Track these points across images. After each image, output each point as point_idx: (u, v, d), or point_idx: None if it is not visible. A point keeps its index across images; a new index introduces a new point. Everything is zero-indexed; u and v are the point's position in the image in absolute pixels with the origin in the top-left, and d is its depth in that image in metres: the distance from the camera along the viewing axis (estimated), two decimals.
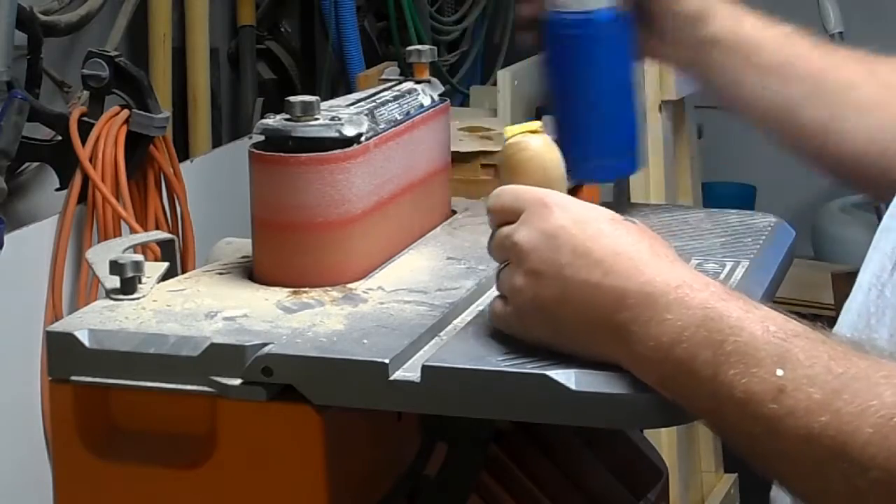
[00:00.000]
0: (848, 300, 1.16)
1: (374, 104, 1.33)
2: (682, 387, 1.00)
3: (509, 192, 1.11)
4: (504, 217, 1.10)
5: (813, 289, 3.11)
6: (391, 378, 1.07)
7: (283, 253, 1.24)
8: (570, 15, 1.36)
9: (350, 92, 1.78)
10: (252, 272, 1.26)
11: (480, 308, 1.21)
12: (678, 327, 0.99)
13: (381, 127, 1.30)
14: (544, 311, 1.06)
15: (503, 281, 1.10)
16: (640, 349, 1.01)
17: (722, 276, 1.25)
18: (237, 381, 1.10)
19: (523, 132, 1.16)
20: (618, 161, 1.42)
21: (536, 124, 1.18)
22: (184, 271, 1.30)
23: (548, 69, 1.41)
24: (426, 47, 1.44)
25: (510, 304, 1.09)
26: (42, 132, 2.28)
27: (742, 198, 3.73)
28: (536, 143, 1.15)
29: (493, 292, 1.25)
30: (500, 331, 1.12)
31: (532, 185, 1.12)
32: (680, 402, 1.01)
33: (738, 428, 0.98)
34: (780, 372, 0.95)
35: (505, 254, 1.10)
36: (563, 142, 1.28)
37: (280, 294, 1.22)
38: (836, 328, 1.15)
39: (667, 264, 1.04)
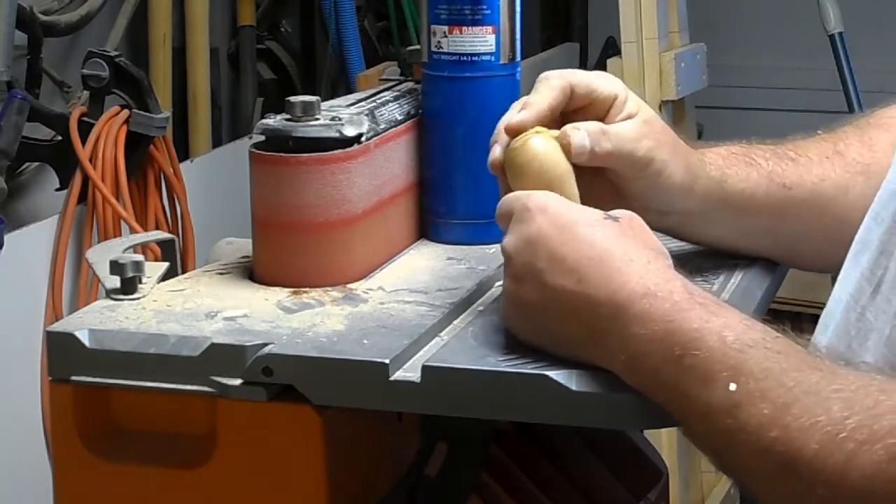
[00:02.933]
0: (825, 315, 1.13)
1: (374, 104, 1.33)
2: (655, 396, 1.01)
3: (504, 201, 1.12)
4: (503, 224, 1.11)
5: (813, 289, 3.11)
6: (391, 378, 1.07)
7: (283, 253, 1.24)
8: (449, 57, 1.34)
9: (350, 92, 1.79)
10: (252, 272, 1.26)
11: (480, 308, 1.21)
12: (644, 341, 1.00)
13: (382, 127, 1.30)
14: (530, 317, 1.08)
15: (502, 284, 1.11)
16: (616, 359, 1.02)
17: (722, 276, 1.25)
18: (237, 381, 1.10)
19: (526, 134, 1.15)
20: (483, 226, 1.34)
21: (540, 126, 1.16)
22: (184, 271, 1.30)
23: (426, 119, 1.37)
24: None
25: (504, 308, 1.11)
26: (42, 132, 2.28)
27: None
28: (538, 144, 1.14)
29: (494, 292, 1.26)
30: (500, 331, 1.12)
31: (534, 186, 1.12)
32: (669, 409, 1.01)
33: (704, 440, 0.99)
34: (732, 386, 0.96)
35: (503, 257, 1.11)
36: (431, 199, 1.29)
37: (280, 294, 1.22)
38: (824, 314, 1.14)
39: (636, 270, 1.03)
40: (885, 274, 1.08)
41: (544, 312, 1.06)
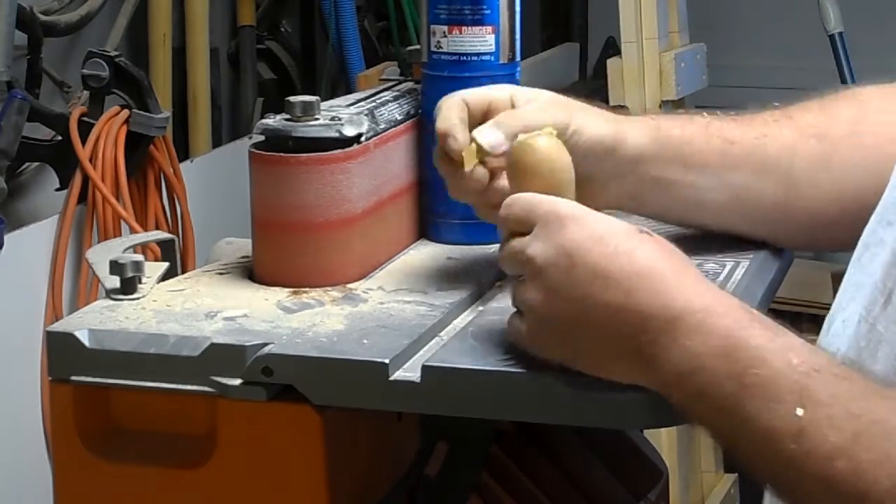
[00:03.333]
0: (830, 319, 1.11)
1: (374, 104, 1.33)
2: (703, 415, 0.98)
3: (522, 202, 1.07)
4: (516, 227, 1.06)
5: (813, 289, 3.11)
6: (391, 378, 1.07)
7: (283, 253, 1.24)
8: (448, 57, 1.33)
9: (350, 92, 1.78)
10: (252, 272, 1.26)
11: (480, 308, 1.21)
12: (699, 355, 0.96)
13: (381, 127, 1.30)
14: (561, 331, 1.03)
15: (517, 296, 1.06)
16: (661, 375, 0.99)
17: (722, 276, 1.25)
18: (237, 381, 1.10)
19: (532, 134, 1.12)
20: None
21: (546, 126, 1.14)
22: (184, 271, 1.30)
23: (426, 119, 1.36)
24: None
25: (525, 321, 1.05)
26: (42, 132, 2.28)
27: None
28: (544, 144, 1.11)
29: (493, 292, 1.25)
30: (500, 331, 1.12)
31: (540, 188, 1.08)
32: (701, 427, 0.99)
33: (758, 460, 0.96)
34: (800, 411, 0.93)
35: (518, 267, 1.05)
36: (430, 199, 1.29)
37: (280, 294, 1.22)
38: (827, 319, 1.13)
39: (689, 284, 1.00)
40: None
41: (581, 327, 1.01)
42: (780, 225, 1.25)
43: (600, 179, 1.20)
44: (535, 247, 1.03)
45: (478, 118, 1.18)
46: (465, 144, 1.16)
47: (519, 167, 1.11)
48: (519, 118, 1.17)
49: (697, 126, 1.23)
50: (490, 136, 1.15)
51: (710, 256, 1.28)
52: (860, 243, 1.12)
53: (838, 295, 1.13)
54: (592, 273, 1.00)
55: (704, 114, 1.25)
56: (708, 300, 0.99)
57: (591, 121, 1.19)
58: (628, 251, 1.01)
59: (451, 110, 1.17)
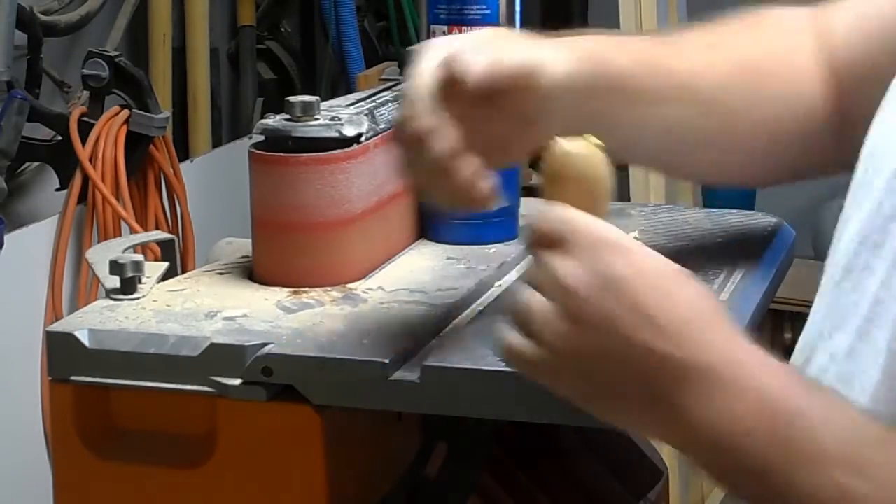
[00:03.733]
0: (811, 346, 1.05)
1: (374, 104, 1.33)
2: (738, 476, 0.92)
3: (560, 216, 0.96)
4: (548, 241, 0.95)
5: (813, 289, 3.11)
6: (391, 378, 1.07)
7: (283, 253, 1.24)
8: None
9: (350, 92, 1.78)
10: (252, 272, 1.26)
11: (480, 308, 1.21)
12: (741, 414, 0.90)
13: (381, 127, 1.30)
14: (584, 366, 0.94)
15: (536, 318, 0.95)
16: (694, 431, 0.92)
17: (722, 276, 1.25)
18: (237, 381, 1.10)
19: (572, 141, 1.03)
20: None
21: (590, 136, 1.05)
22: (184, 271, 1.30)
23: None
24: None
25: (543, 349, 0.94)
26: (42, 132, 2.28)
27: (742, 198, 3.73)
28: (585, 155, 1.02)
29: (494, 292, 1.25)
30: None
31: (576, 200, 0.99)
32: (727, 487, 0.94)
33: None
34: (842, 477, 0.89)
35: (546, 286, 0.95)
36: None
37: (280, 294, 1.22)
38: (802, 348, 1.07)
39: (733, 338, 0.93)
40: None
41: (606, 366, 0.93)
42: (711, 159, 1.21)
43: (527, 114, 1.10)
44: (572, 269, 0.93)
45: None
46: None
47: (555, 177, 1.02)
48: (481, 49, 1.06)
49: (631, 54, 1.16)
50: (464, 65, 1.04)
51: (711, 257, 1.29)
52: (836, 265, 1.06)
53: (815, 318, 1.06)
54: (634, 311, 0.92)
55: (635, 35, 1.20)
56: (752, 358, 0.93)
57: (513, 47, 1.09)
58: (679, 295, 0.94)
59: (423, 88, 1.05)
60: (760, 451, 0.90)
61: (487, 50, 1.07)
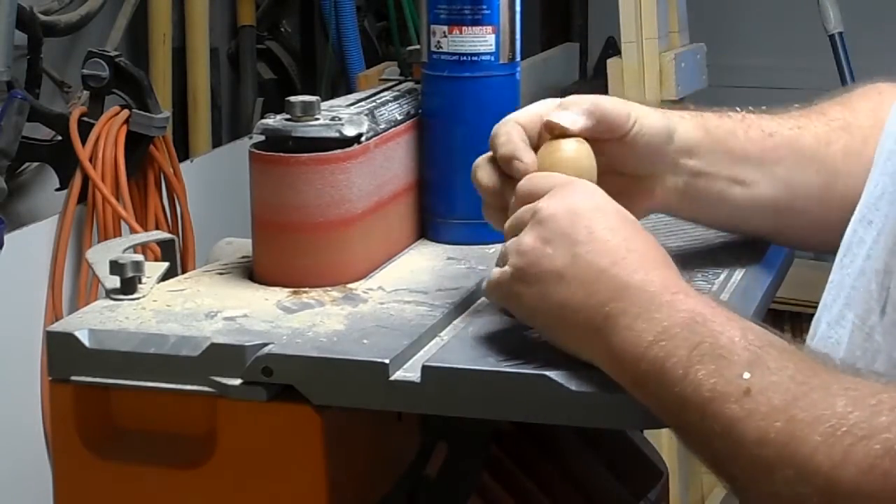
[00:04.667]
0: (817, 321, 1.14)
1: (374, 104, 1.33)
2: (652, 386, 1.00)
3: (539, 177, 1.12)
4: (530, 199, 1.10)
5: (813, 289, 3.11)
6: (391, 378, 1.07)
7: (283, 253, 1.24)
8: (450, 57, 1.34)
9: (350, 92, 1.79)
10: (252, 272, 1.26)
11: (480, 308, 1.21)
12: (663, 326, 1.00)
13: (381, 127, 1.30)
14: (540, 281, 1.06)
15: (508, 246, 1.09)
16: (619, 343, 1.01)
17: (722, 276, 1.25)
18: (237, 381, 1.10)
19: (561, 139, 1.15)
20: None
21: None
22: (184, 271, 1.30)
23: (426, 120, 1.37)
24: None
25: (510, 267, 1.08)
26: (42, 132, 2.29)
27: None
28: (573, 146, 1.15)
29: None
30: (500, 331, 1.12)
31: None
32: (648, 405, 1.01)
33: (698, 428, 0.98)
34: (746, 375, 0.96)
35: (521, 225, 1.09)
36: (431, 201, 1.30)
37: (280, 294, 1.22)
38: (814, 322, 1.15)
39: (671, 273, 1.05)
40: (889, 295, 1.07)
41: (558, 281, 1.05)
42: (818, 221, 1.25)
43: (655, 174, 1.22)
44: (544, 201, 1.08)
45: (534, 137, 1.18)
46: (533, 165, 1.15)
47: (545, 166, 1.14)
48: (585, 98, 1.18)
49: (734, 119, 1.25)
50: (566, 116, 1.16)
51: (711, 256, 1.29)
52: (843, 244, 1.13)
53: (823, 296, 1.14)
54: (590, 235, 1.05)
55: (737, 109, 1.26)
56: (684, 286, 1.04)
57: (648, 112, 1.21)
58: (629, 231, 1.07)
59: (511, 134, 1.17)
60: (675, 356, 0.99)
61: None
